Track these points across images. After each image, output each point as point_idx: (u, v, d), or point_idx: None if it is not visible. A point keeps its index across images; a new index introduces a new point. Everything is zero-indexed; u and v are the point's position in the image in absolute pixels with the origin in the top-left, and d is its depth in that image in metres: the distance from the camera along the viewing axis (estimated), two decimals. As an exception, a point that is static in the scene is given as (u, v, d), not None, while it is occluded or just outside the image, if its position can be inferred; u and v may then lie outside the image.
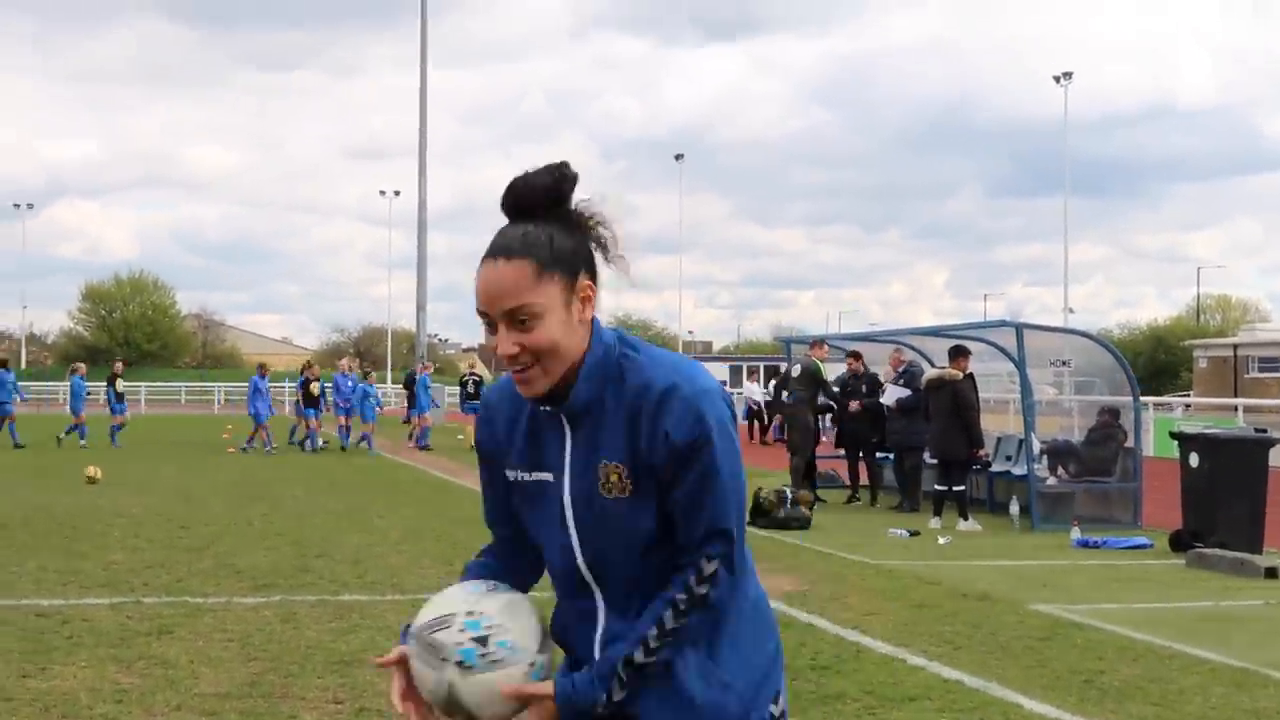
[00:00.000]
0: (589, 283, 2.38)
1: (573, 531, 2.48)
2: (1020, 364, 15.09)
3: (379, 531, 13.36)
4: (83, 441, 27.32)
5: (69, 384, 29.38)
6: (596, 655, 2.49)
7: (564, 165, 2.39)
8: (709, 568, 2.38)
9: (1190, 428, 14.07)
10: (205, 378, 75.72)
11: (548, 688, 2.39)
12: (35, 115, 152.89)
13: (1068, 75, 57.48)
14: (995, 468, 16.71)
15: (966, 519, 14.53)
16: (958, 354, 15.06)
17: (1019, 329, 15.37)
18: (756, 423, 35.85)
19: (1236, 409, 31.32)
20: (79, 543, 12.00)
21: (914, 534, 13.81)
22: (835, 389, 17.55)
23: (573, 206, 2.39)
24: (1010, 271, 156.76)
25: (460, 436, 30.51)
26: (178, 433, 34.94)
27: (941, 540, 13.36)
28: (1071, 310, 60.34)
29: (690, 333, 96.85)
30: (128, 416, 29.43)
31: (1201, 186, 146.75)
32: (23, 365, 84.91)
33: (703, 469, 2.36)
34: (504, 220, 2.40)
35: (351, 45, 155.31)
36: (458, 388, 31.90)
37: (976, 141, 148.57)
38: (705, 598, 2.37)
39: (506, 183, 2.37)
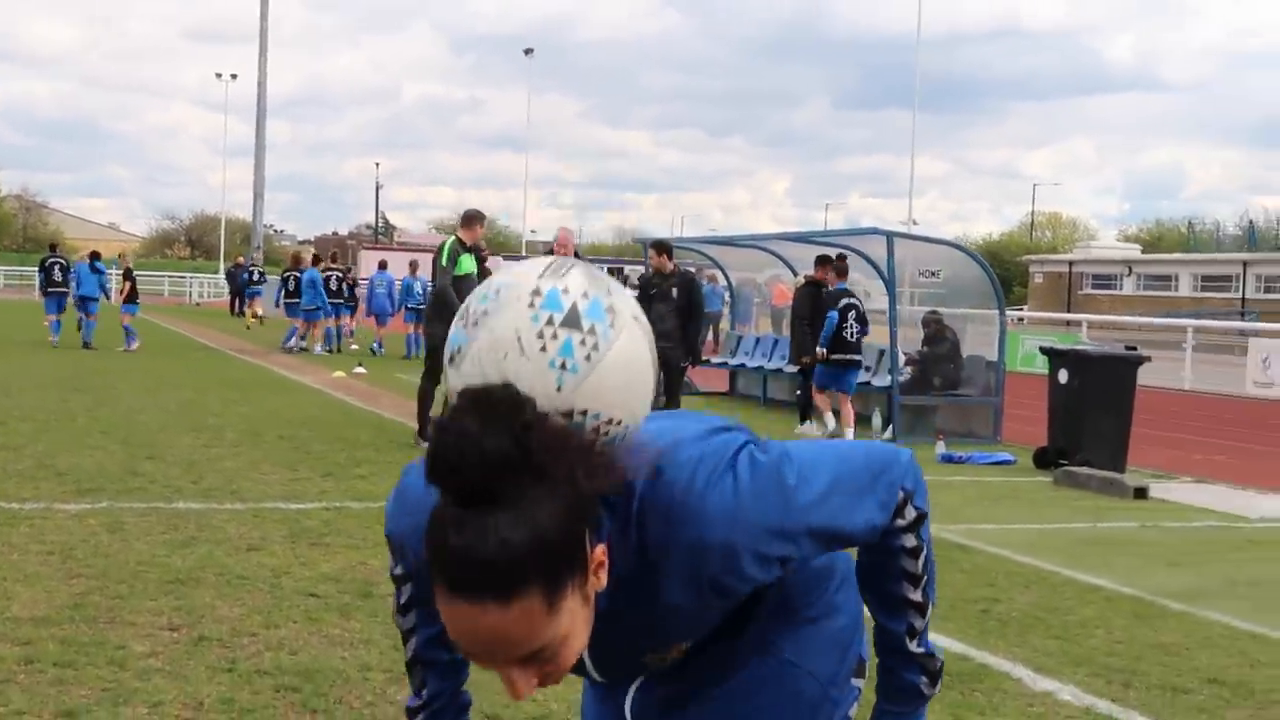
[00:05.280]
0: (601, 545, 1.65)
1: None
2: (890, 275, 14.74)
3: (214, 431, 12.49)
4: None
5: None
6: (630, 706, 2.08)
7: (516, 404, 1.55)
8: (902, 521, 2.03)
9: (1059, 345, 13.90)
10: (25, 261, 72.41)
11: None
12: None
13: (921, -14, 57.42)
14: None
15: (804, 421, 14.74)
16: (821, 263, 14.87)
17: (890, 237, 15.00)
18: None
19: (1081, 324, 31.76)
20: (-122, 438, 10.94)
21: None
22: (636, 290, 14.05)
23: (540, 447, 1.53)
24: (851, 182, 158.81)
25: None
26: (-5, 319, 33.09)
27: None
28: (915, 223, 60.94)
29: (533, 231, 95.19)
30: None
31: (1041, 106, 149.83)
32: None
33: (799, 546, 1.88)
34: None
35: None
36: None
37: (827, 52, 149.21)
38: (919, 544, 2.06)
39: (434, 449, 1.52)
